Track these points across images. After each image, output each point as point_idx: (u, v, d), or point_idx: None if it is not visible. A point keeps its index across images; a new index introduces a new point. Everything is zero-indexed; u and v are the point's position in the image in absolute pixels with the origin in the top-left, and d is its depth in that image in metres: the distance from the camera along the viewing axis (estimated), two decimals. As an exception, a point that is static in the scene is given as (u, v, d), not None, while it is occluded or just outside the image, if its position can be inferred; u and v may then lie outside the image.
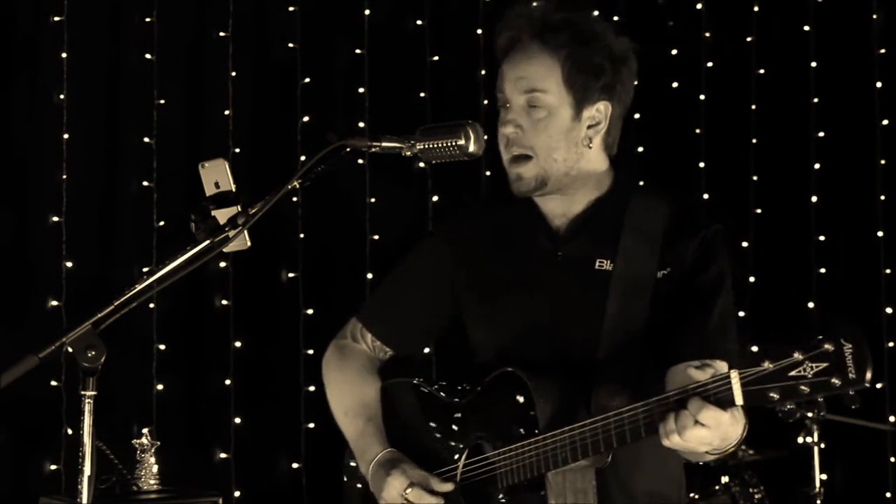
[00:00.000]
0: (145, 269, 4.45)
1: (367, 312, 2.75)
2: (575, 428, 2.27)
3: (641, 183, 2.63)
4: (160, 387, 4.96)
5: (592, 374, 2.40)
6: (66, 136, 4.85)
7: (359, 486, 2.66)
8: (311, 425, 5.15)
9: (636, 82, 2.57)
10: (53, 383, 4.66)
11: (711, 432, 2.12)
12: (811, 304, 5.68)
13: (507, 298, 2.53)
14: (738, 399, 2.08)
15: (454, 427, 2.54)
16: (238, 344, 5.09)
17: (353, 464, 2.67)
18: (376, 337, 2.71)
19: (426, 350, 2.97)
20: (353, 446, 2.63)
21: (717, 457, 2.30)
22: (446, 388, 2.61)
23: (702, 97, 5.94)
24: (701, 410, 2.10)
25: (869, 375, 1.99)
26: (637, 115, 5.97)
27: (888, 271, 5.65)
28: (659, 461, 2.47)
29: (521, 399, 2.36)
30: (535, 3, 2.53)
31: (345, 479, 2.74)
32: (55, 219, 4.83)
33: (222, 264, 5.07)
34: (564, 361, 2.42)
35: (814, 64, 5.82)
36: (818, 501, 4.64)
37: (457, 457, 2.50)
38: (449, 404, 2.57)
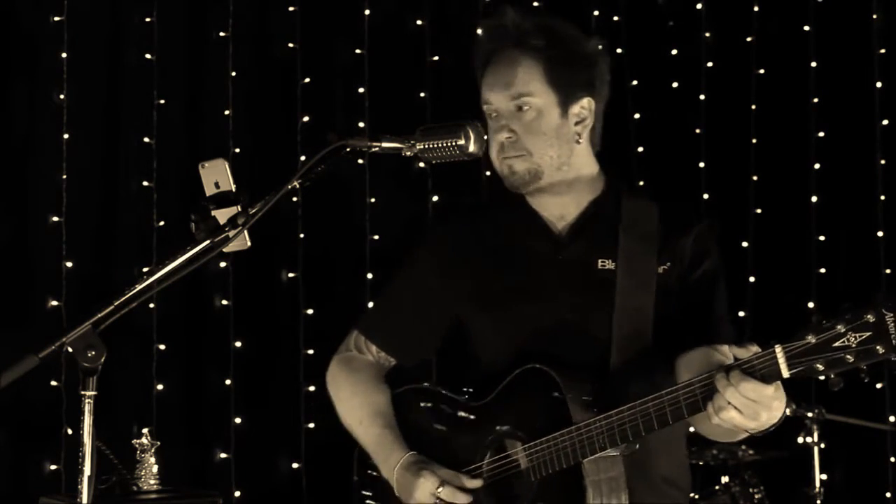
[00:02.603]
0: (145, 269, 4.44)
1: (369, 324, 2.80)
2: (612, 414, 2.34)
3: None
4: (160, 387, 4.96)
5: (608, 369, 2.48)
6: (66, 136, 4.85)
7: (381, 493, 2.68)
8: (311, 425, 5.15)
9: (609, 79, 2.65)
10: (53, 383, 4.65)
11: (758, 406, 2.19)
12: (811, 304, 5.68)
13: (515, 303, 2.58)
14: (785, 372, 2.16)
15: (475, 427, 2.57)
16: (238, 344, 5.09)
17: (373, 473, 2.68)
18: (380, 348, 2.76)
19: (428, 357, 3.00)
20: (374, 454, 2.66)
21: (751, 434, 2.37)
22: (461, 392, 2.65)
23: (702, 97, 5.94)
24: (741, 383, 2.17)
25: None
26: (637, 115, 5.99)
27: (888, 271, 5.65)
28: (671, 448, 2.58)
29: (549, 393, 2.42)
30: (505, 15, 2.61)
31: (364, 492, 2.75)
32: (55, 219, 4.83)
33: (222, 264, 5.07)
34: (580, 359, 2.49)
35: (814, 64, 5.82)
36: (818, 501, 4.64)
37: (480, 455, 2.54)
38: (467, 405, 2.61)
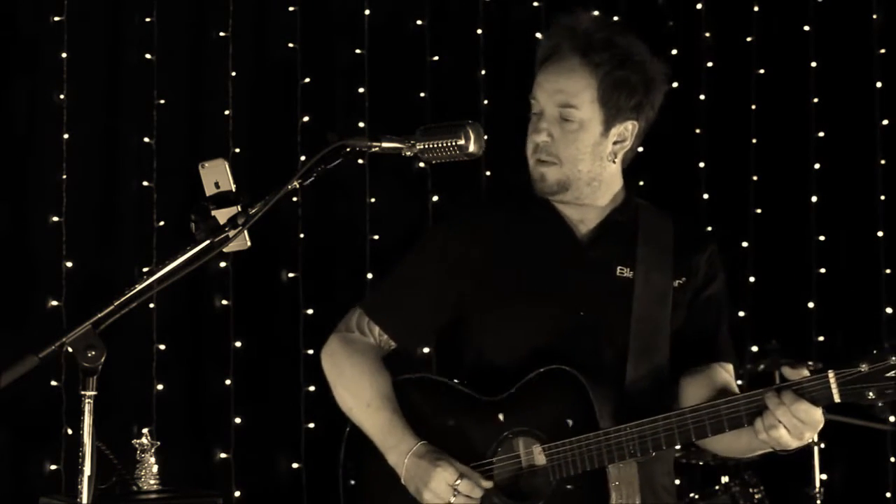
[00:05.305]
0: (145, 269, 4.45)
1: (374, 305, 2.74)
2: (645, 423, 2.39)
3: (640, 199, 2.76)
4: (160, 387, 4.96)
5: (625, 376, 2.52)
6: (66, 136, 4.85)
7: (373, 483, 2.66)
8: (311, 425, 5.14)
9: (661, 103, 2.68)
10: (53, 383, 4.66)
11: (805, 427, 2.30)
12: (811, 304, 5.67)
13: (535, 301, 2.59)
14: (836, 397, 2.28)
15: (487, 422, 2.54)
16: (238, 344, 5.09)
17: (383, 462, 2.61)
18: (384, 330, 2.70)
19: (426, 348, 2.99)
20: (380, 439, 2.60)
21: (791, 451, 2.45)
22: (472, 386, 2.61)
23: (702, 97, 5.94)
24: (794, 403, 2.28)
25: None
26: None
27: (888, 271, 5.65)
28: (668, 457, 2.65)
29: (574, 396, 2.44)
30: (580, 17, 2.61)
31: (351, 481, 2.71)
32: (55, 219, 4.83)
33: (222, 264, 5.06)
34: (596, 362, 2.52)
35: (814, 64, 5.82)
36: (818, 501, 4.64)
37: (491, 451, 2.53)
38: (478, 400, 2.57)
